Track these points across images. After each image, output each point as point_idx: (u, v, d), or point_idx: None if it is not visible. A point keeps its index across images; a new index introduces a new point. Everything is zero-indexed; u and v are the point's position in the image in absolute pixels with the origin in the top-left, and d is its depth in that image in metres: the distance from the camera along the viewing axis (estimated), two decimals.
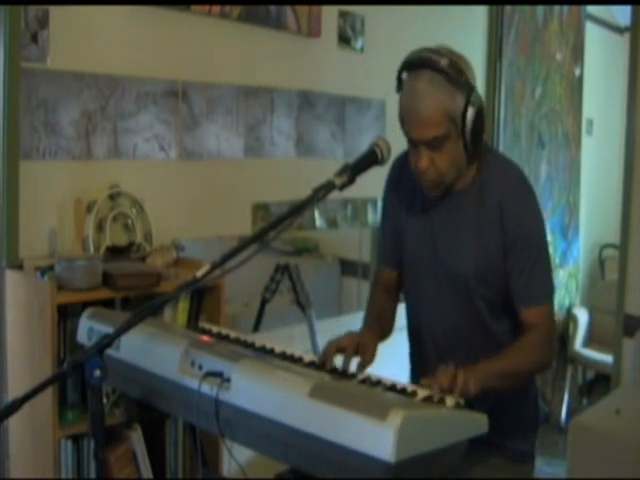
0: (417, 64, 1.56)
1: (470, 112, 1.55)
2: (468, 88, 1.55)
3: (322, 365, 1.55)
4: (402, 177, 1.77)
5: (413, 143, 1.60)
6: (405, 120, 1.59)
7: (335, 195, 1.53)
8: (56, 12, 2.22)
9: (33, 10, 2.17)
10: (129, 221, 2.40)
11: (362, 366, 1.57)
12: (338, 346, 1.57)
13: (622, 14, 5.05)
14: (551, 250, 4.28)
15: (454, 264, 1.67)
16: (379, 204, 3.37)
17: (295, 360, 1.59)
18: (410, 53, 1.60)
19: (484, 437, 1.33)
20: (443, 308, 1.72)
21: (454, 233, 1.68)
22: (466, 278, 1.66)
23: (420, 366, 1.82)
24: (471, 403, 1.38)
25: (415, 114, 1.55)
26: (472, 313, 1.69)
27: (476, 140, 1.59)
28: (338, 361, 1.57)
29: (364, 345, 1.59)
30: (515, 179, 1.69)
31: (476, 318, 1.69)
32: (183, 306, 2.28)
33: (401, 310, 1.91)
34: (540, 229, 1.68)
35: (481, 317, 1.69)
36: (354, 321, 1.86)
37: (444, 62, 1.54)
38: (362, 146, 2.83)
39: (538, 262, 1.64)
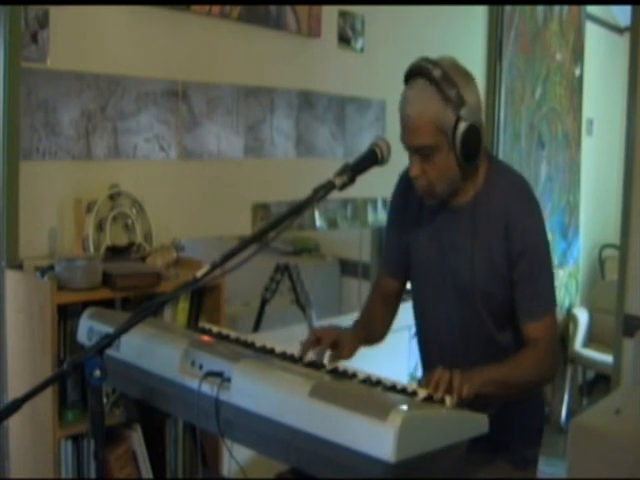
0: (413, 72, 1.59)
1: (461, 127, 1.55)
2: (459, 102, 1.54)
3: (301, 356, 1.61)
4: (409, 190, 1.75)
5: (406, 149, 1.63)
6: (400, 125, 1.62)
7: (335, 195, 1.54)
8: (56, 12, 2.22)
9: (33, 10, 2.17)
10: (129, 221, 2.40)
11: (334, 358, 1.62)
12: (316, 337, 1.63)
13: (622, 14, 5.05)
14: (551, 250, 4.27)
15: (461, 277, 1.68)
16: (379, 204, 3.37)
17: (295, 360, 1.59)
18: (413, 61, 1.61)
19: (489, 440, 1.33)
20: (450, 319, 1.73)
21: (461, 246, 1.68)
22: (472, 290, 1.66)
23: (429, 373, 1.83)
24: (476, 407, 1.38)
25: (405, 120, 1.59)
26: (478, 324, 1.69)
27: (469, 156, 1.59)
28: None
29: (341, 341, 1.65)
30: (521, 192, 1.69)
31: (482, 329, 1.69)
32: (183, 306, 2.28)
33: (401, 311, 1.91)
34: (544, 243, 1.68)
35: (487, 328, 1.69)
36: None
37: (436, 73, 1.54)
38: (362, 146, 2.82)
39: (541, 276, 1.65)
